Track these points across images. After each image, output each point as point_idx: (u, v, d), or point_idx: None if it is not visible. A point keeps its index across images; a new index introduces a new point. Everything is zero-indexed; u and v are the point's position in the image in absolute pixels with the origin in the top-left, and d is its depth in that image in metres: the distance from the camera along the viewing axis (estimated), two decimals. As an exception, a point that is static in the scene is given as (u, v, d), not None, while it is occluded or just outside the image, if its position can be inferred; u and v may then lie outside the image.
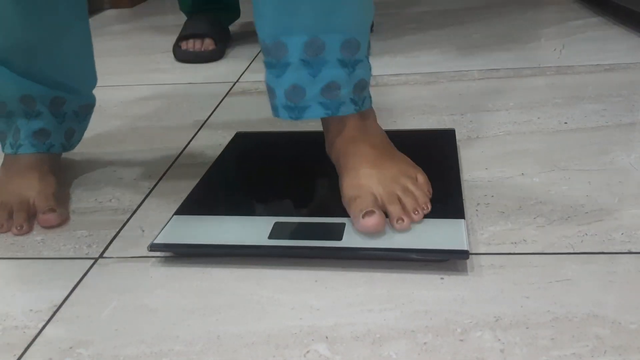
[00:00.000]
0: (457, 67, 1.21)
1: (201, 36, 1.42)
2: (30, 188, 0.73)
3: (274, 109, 0.67)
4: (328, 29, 0.62)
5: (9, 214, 0.70)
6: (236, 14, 1.56)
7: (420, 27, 1.54)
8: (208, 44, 1.41)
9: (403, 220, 0.60)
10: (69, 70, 0.78)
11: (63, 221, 0.71)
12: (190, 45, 1.42)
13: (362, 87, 0.67)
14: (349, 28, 0.63)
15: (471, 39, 1.41)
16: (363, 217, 0.59)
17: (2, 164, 0.78)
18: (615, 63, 1.15)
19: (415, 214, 0.61)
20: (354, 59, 0.64)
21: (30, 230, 0.69)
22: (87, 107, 0.83)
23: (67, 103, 0.79)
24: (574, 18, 1.55)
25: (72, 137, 0.82)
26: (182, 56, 1.41)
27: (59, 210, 0.70)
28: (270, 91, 0.67)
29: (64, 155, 0.92)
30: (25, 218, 0.70)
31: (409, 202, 0.62)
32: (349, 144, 0.67)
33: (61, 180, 0.79)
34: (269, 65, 0.66)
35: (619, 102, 0.96)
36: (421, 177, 0.66)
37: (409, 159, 0.69)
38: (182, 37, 1.44)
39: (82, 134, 0.85)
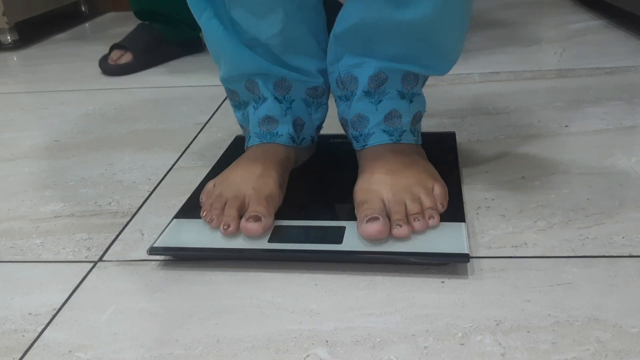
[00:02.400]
0: (458, 70, 1.20)
1: (123, 47, 1.40)
2: (248, 184, 0.65)
3: (350, 140, 0.71)
4: (392, 64, 0.66)
5: (222, 208, 0.64)
6: (183, 31, 1.46)
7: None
8: (127, 57, 1.39)
9: (401, 226, 0.59)
10: (297, 47, 0.70)
11: (265, 232, 0.61)
12: (114, 55, 1.40)
13: (418, 119, 0.70)
14: (412, 62, 0.66)
15: (471, 42, 1.41)
16: (366, 222, 0.59)
17: (241, 156, 0.73)
18: (615, 66, 1.15)
19: (416, 222, 0.60)
20: (412, 92, 0.68)
21: (235, 231, 0.62)
22: (315, 91, 0.73)
23: (293, 88, 0.71)
24: (574, 21, 1.55)
25: (302, 129, 0.73)
26: (103, 68, 1.39)
27: (264, 219, 0.61)
28: (345, 124, 0.71)
29: (62, 157, 0.92)
30: (234, 217, 0.62)
31: (413, 211, 0.61)
32: (377, 149, 0.67)
33: (286, 176, 0.70)
34: (342, 99, 0.69)
35: (619, 105, 0.96)
36: (438, 189, 0.65)
37: (434, 171, 0.68)
38: (110, 48, 1.42)
39: (314, 131, 0.75)
